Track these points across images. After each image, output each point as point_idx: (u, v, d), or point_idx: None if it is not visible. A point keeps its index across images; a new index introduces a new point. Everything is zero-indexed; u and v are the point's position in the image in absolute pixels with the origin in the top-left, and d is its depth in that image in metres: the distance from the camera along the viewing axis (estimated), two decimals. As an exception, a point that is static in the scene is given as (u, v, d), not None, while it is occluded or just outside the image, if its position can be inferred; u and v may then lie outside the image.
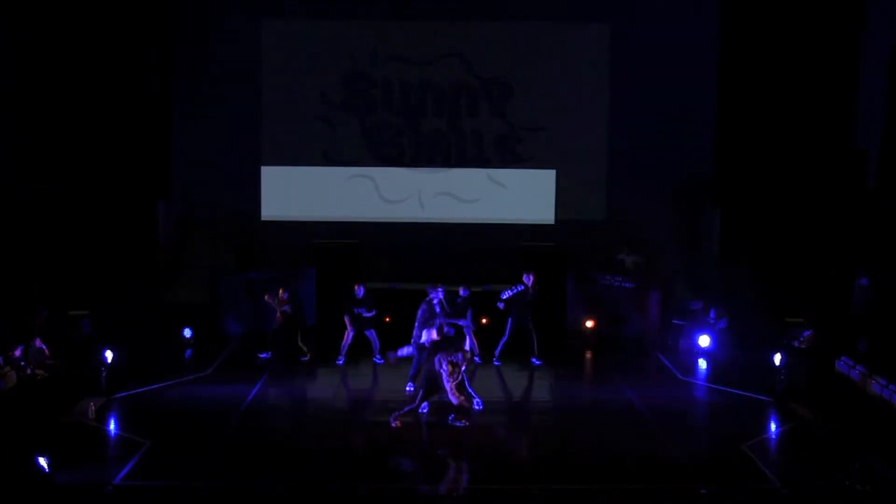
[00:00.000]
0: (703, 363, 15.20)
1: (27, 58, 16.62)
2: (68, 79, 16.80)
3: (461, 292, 14.40)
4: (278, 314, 14.81)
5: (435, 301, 13.49)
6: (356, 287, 14.61)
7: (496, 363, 14.48)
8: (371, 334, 14.54)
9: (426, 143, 19.11)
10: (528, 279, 14.61)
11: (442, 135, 19.09)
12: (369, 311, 14.51)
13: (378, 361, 14.48)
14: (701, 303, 16.25)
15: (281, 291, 14.83)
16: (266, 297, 15.04)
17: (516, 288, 14.46)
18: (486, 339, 14.75)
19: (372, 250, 18.62)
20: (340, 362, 14.51)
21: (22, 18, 16.48)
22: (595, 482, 10.03)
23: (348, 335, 14.49)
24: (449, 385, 11.25)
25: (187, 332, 15.68)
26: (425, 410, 11.90)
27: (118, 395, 12.65)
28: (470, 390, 12.04)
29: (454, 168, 19.16)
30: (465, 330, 14.04)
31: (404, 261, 18.59)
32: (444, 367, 11.27)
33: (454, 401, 11.37)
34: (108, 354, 12.59)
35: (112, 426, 11.71)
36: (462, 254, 18.79)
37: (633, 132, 18.83)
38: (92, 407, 11.89)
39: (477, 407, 12.00)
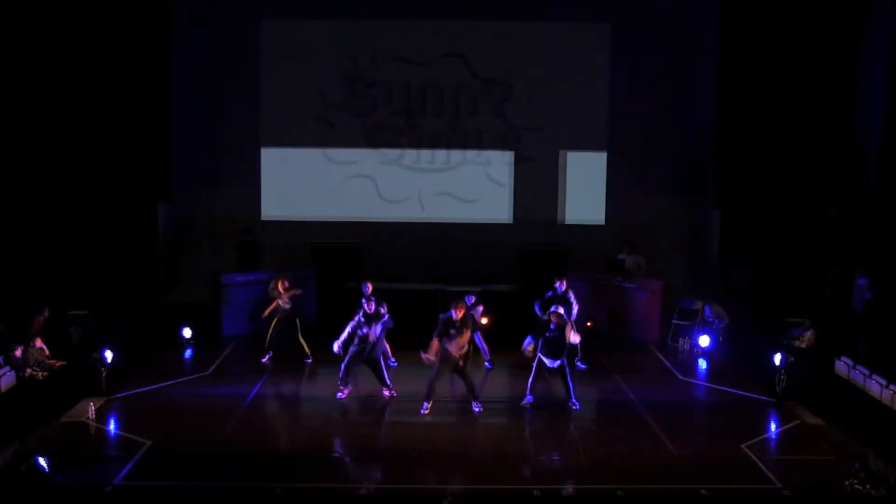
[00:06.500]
0: (703, 363, 15.21)
1: (28, 59, 16.61)
2: (68, 80, 16.79)
3: (467, 300, 13.86)
4: (274, 307, 14.69)
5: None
6: (362, 285, 14.47)
7: (580, 365, 14.23)
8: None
9: (426, 143, 19.11)
10: (561, 286, 14.01)
11: (442, 135, 19.09)
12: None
13: (392, 364, 14.40)
14: (700, 303, 16.23)
15: (281, 283, 14.71)
16: (270, 288, 14.85)
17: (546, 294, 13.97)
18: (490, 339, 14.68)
19: (372, 250, 18.66)
20: (393, 364, 14.27)
21: (23, 21, 16.47)
22: (595, 482, 10.03)
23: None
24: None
25: (187, 332, 15.67)
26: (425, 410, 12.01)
27: (118, 395, 12.66)
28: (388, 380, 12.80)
29: (454, 168, 19.17)
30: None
31: (404, 261, 18.60)
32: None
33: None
34: (108, 354, 12.57)
35: (112, 426, 11.70)
36: (462, 254, 18.82)
37: (633, 132, 18.85)
38: (92, 407, 11.89)
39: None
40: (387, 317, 12.73)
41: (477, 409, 12.19)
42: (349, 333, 12.61)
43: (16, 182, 16.52)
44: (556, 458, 11.05)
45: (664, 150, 18.98)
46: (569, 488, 10.04)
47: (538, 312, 13.60)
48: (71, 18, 16.73)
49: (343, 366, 12.64)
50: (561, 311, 12.51)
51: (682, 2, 18.66)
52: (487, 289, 16.24)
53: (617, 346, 16.03)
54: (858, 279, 15.37)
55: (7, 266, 15.74)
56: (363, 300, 12.73)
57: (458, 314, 12.01)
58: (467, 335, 12.18)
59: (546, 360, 12.29)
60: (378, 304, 12.73)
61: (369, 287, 14.27)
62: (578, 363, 14.29)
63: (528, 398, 12.47)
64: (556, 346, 12.20)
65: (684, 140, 18.96)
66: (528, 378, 12.50)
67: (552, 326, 12.21)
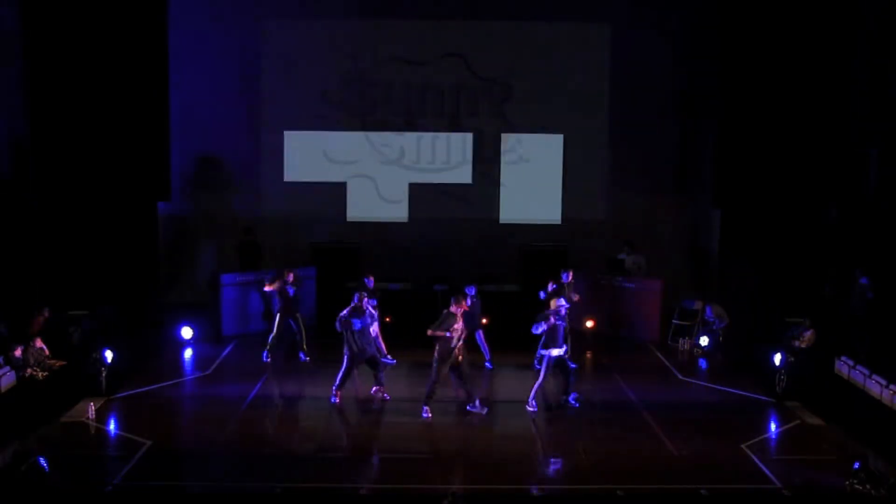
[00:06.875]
0: (703, 363, 15.21)
1: (27, 60, 16.62)
2: (68, 79, 16.78)
3: (468, 291, 13.91)
4: (279, 299, 14.59)
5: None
6: (365, 279, 14.52)
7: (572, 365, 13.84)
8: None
9: (426, 142, 19.10)
10: (566, 276, 14.37)
11: (442, 135, 19.08)
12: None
13: (389, 362, 14.42)
14: (701, 303, 16.23)
15: (287, 273, 14.61)
16: (266, 286, 14.84)
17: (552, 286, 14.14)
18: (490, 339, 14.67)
19: (372, 250, 18.67)
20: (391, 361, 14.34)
21: (22, 21, 16.48)
22: (595, 482, 10.03)
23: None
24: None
25: (187, 332, 15.68)
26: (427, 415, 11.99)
27: (118, 395, 12.66)
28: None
29: (454, 168, 19.16)
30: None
31: (404, 261, 18.60)
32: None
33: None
34: (108, 354, 12.58)
35: (112, 426, 11.70)
36: (462, 254, 18.83)
37: (634, 132, 18.84)
38: (92, 407, 11.89)
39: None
40: (368, 317, 12.62)
41: (479, 410, 12.13)
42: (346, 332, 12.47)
43: (16, 182, 16.51)
44: (556, 458, 11.06)
45: (664, 149, 18.99)
46: (568, 488, 10.06)
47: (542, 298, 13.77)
48: (71, 18, 16.71)
49: (340, 374, 12.53)
50: (562, 301, 12.53)
51: (682, 2, 18.66)
52: (487, 289, 16.21)
53: (617, 346, 16.04)
54: (860, 279, 15.37)
55: (7, 266, 15.74)
56: (356, 294, 12.61)
57: (458, 310, 11.93)
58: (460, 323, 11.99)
59: (553, 352, 12.18)
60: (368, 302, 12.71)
61: (372, 280, 14.37)
62: (568, 362, 14.21)
63: (533, 406, 12.39)
64: (554, 332, 12.13)
65: (684, 140, 18.97)
66: (535, 384, 12.38)
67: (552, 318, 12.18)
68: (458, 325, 11.88)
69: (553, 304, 12.55)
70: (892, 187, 16.55)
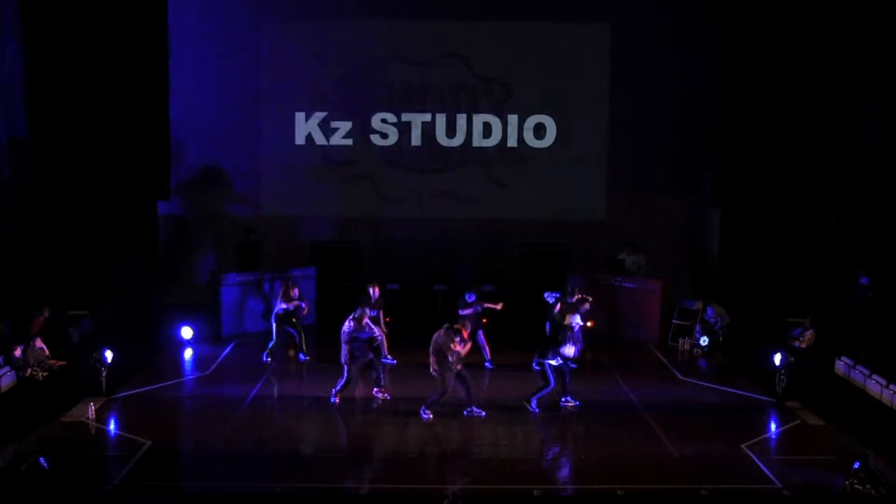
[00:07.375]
0: (703, 363, 15.20)
1: (28, 60, 16.62)
2: (68, 79, 16.77)
3: (468, 298, 14.04)
4: (283, 309, 14.67)
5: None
6: (370, 289, 14.48)
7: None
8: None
9: (427, 142, 19.09)
10: (572, 299, 13.75)
11: (441, 134, 19.07)
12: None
13: (389, 362, 14.39)
14: (701, 303, 16.23)
15: (292, 289, 14.68)
16: (283, 303, 14.70)
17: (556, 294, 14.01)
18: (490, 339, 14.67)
19: (372, 250, 18.67)
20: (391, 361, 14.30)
21: (22, 21, 16.48)
22: (595, 482, 10.03)
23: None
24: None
25: (187, 332, 15.67)
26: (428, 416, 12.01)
27: (118, 395, 12.66)
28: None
29: (454, 168, 19.16)
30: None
31: (404, 261, 18.60)
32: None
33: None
34: (108, 354, 12.57)
35: (112, 426, 11.71)
36: (461, 254, 18.84)
37: (634, 132, 18.84)
38: (92, 407, 11.89)
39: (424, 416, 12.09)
40: (368, 333, 12.60)
41: (478, 414, 12.11)
42: (348, 344, 12.39)
43: (16, 182, 16.51)
44: (556, 458, 11.06)
45: (664, 149, 18.98)
46: (568, 488, 10.06)
47: (549, 300, 13.78)
48: (71, 19, 16.69)
49: (342, 382, 12.47)
50: (576, 318, 12.87)
51: (682, 2, 18.66)
52: (487, 289, 16.21)
53: (617, 346, 16.03)
54: (861, 279, 15.37)
55: (7, 266, 15.73)
56: (357, 309, 12.54)
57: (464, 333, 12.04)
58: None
59: (555, 361, 12.29)
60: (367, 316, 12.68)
61: (376, 291, 14.29)
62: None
63: (533, 407, 12.38)
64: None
65: (684, 140, 18.97)
66: (544, 390, 12.31)
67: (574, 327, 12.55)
68: (458, 339, 11.94)
69: (568, 319, 12.68)
70: (892, 187, 16.54)
